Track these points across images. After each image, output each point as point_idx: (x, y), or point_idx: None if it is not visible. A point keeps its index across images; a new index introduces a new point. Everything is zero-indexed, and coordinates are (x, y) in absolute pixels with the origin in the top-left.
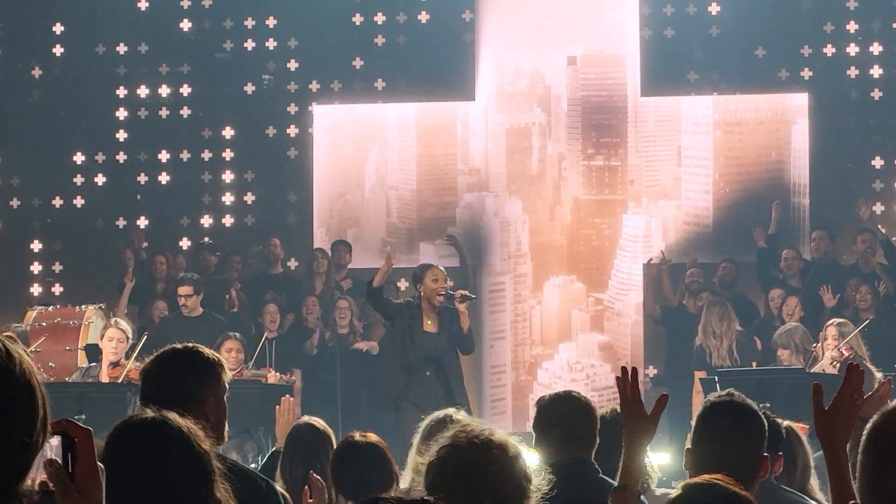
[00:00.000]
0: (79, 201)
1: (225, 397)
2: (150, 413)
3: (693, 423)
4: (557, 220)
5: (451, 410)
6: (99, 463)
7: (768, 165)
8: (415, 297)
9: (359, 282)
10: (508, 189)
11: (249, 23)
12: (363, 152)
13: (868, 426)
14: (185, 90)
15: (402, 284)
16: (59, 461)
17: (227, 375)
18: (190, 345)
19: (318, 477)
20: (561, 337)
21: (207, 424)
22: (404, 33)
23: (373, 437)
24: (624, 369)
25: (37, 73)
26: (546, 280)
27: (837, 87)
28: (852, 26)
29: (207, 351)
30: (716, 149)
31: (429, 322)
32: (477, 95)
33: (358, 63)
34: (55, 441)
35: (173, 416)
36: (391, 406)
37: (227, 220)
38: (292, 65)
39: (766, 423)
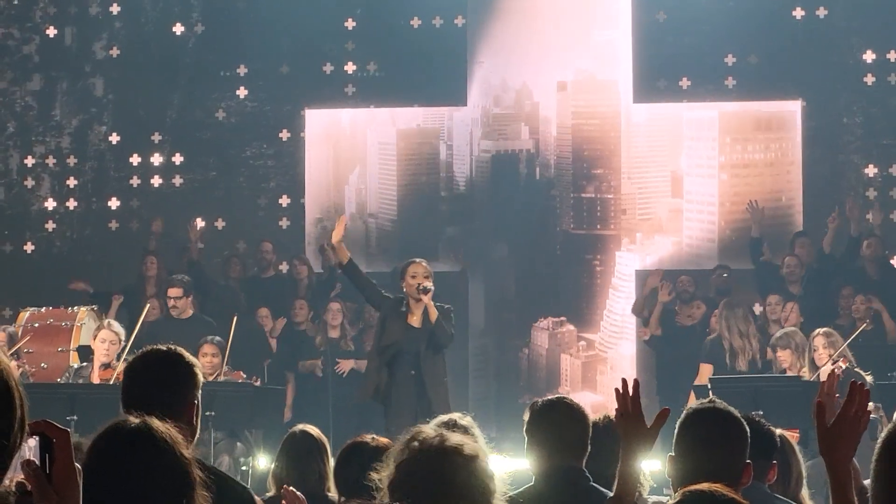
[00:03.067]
0: (71, 203)
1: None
2: (134, 420)
3: (675, 430)
4: (546, 253)
5: (456, 415)
6: (77, 464)
7: (778, 210)
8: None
9: (347, 286)
10: (494, 219)
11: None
12: (343, 175)
13: (883, 434)
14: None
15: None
16: (37, 462)
17: (201, 378)
18: (172, 348)
19: (297, 491)
20: (550, 384)
21: (188, 427)
22: (396, 37)
23: (383, 440)
24: (624, 381)
25: (32, 74)
26: (534, 321)
27: (831, 93)
28: (846, 33)
29: (188, 355)
30: (721, 193)
31: (413, 317)
32: (469, 101)
33: (350, 68)
34: (33, 442)
35: (157, 423)
36: (367, 402)
37: (219, 223)
38: (284, 69)
39: (748, 430)
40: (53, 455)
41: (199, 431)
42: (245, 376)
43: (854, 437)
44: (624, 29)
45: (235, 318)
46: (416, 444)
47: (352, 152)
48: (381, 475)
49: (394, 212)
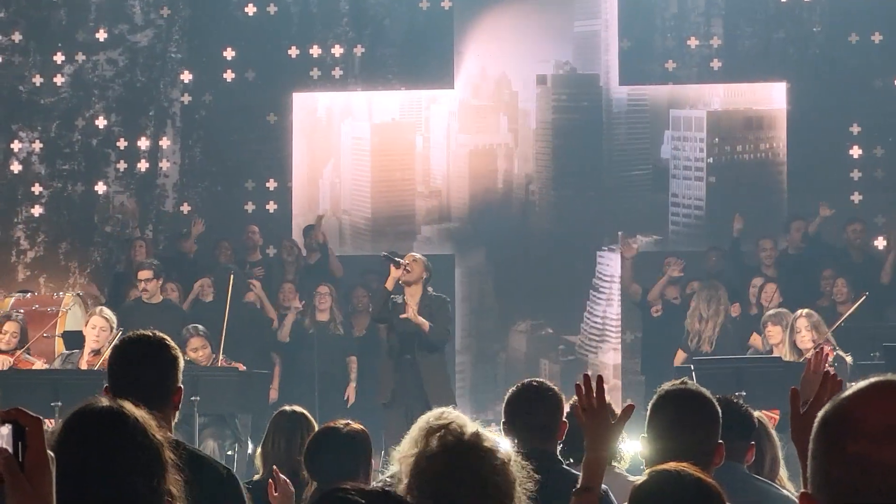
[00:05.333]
0: (58, 187)
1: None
2: (104, 402)
3: (647, 411)
4: (525, 252)
5: (444, 410)
6: (49, 452)
7: (769, 213)
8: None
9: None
10: (471, 215)
11: None
12: (317, 168)
13: (820, 414)
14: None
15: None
16: (10, 450)
17: (183, 362)
18: (158, 334)
19: (288, 480)
20: None
21: (175, 412)
22: (384, 20)
23: (357, 426)
24: (586, 377)
25: (20, 58)
26: (512, 323)
27: (815, 75)
28: (831, 16)
29: (170, 340)
30: (710, 198)
31: (409, 310)
32: (456, 84)
33: (338, 51)
34: (5, 430)
35: (128, 405)
36: (385, 402)
37: (206, 207)
38: (272, 52)
39: (719, 411)
40: (26, 443)
41: (178, 416)
42: (245, 368)
43: None
44: (606, 19)
45: (232, 276)
46: (450, 437)
47: (326, 144)
48: (401, 464)
49: (368, 209)
